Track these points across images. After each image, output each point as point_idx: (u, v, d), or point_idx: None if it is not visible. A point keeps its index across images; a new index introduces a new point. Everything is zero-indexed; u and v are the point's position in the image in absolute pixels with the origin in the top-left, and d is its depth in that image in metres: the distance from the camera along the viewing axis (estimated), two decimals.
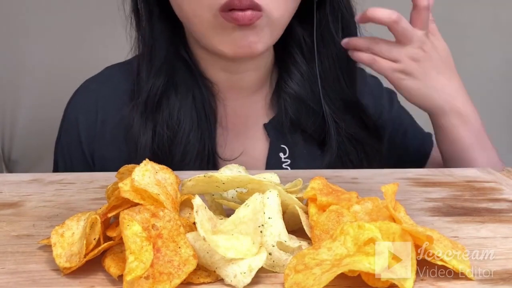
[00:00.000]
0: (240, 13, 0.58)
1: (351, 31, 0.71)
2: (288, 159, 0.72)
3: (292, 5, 0.64)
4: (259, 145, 0.72)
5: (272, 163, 0.71)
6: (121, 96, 0.72)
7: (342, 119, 0.71)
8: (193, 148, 0.67)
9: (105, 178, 0.59)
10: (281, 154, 0.72)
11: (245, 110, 0.73)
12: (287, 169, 0.71)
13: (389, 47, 0.65)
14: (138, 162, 0.69)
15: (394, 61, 0.65)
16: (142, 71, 0.69)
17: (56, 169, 0.76)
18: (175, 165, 0.65)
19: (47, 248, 0.38)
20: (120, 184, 0.36)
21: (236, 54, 0.62)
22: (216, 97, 0.71)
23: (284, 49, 0.72)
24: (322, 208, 0.40)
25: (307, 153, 0.72)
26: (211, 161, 0.68)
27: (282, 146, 0.72)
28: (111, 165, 0.71)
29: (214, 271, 0.34)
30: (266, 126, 0.72)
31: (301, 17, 0.70)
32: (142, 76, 0.69)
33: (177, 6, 0.64)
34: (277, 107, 0.73)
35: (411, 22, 0.65)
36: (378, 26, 0.64)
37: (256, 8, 0.58)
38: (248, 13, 0.58)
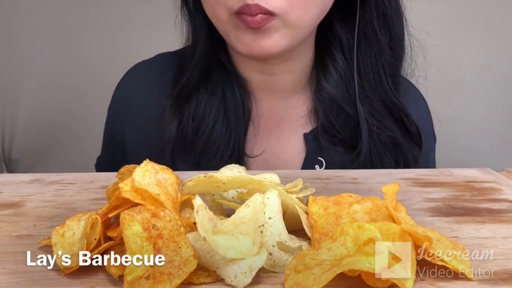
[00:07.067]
0: (249, 18, 0.59)
1: (396, 28, 0.68)
2: None
3: (315, 5, 0.61)
4: (293, 151, 0.71)
5: None
6: (164, 83, 0.74)
7: (379, 121, 0.68)
8: (214, 141, 0.68)
9: (105, 178, 0.59)
10: (317, 167, 0.70)
11: (280, 112, 0.72)
12: None
13: None
14: (164, 149, 0.67)
15: None
16: (185, 64, 0.71)
17: (102, 150, 0.80)
18: (197, 155, 0.67)
19: (48, 248, 0.38)
20: (120, 184, 0.36)
21: (248, 54, 0.63)
22: (250, 96, 0.71)
23: (325, 49, 0.71)
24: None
25: (341, 163, 0.70)
26: (235, 156, 0.68)
27: (319, 158, 0.70)
28: (142, 150, 0.72)
29: (215, 271, 0.34)
30: (306, 136, 0.71)
31: (343, 13, 0.68)
32: (183, 68, 0.71)
33: (202, 5, 0.65)
34: (317, 116, 0.71)
35: None
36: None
37: (268, 13, 0.58)
38: (258, 17, 0.58)
